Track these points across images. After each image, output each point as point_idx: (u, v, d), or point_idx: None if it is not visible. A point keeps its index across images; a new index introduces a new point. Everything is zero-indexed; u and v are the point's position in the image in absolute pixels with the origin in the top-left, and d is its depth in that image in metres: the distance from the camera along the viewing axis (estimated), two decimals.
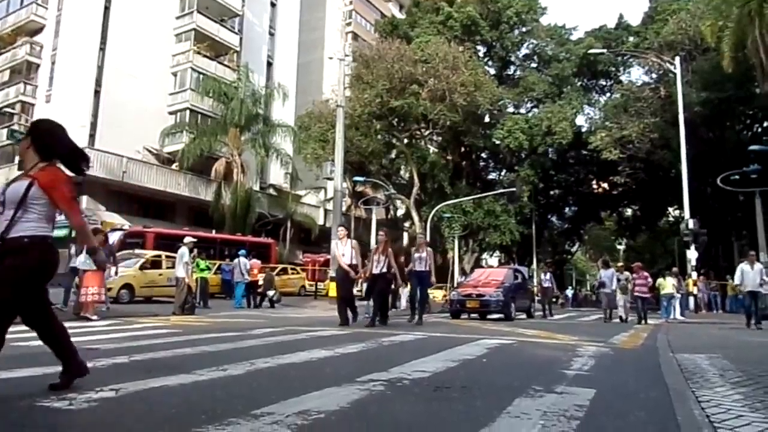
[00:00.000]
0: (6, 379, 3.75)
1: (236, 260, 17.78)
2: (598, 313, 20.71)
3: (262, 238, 31.54)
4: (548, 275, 19.97)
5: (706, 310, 23.19)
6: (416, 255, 11.30)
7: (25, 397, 3.10)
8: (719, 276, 27.19)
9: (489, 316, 14.74)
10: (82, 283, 10.28)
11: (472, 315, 15.20)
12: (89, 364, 4.36)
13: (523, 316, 16.05)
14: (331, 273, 9.60)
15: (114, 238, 21.16)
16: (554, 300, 38.81)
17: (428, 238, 32.66)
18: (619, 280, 15.79)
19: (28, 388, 3.45)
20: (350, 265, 9.84)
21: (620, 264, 16.61)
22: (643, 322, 14.63)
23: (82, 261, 10.45)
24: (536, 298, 20.98)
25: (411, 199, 34.89)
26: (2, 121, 37.31)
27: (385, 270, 10.17)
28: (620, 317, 15.42)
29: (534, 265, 37.91)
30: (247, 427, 2.58)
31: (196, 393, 3.49)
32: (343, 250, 10.01)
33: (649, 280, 16.26)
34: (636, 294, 15.38)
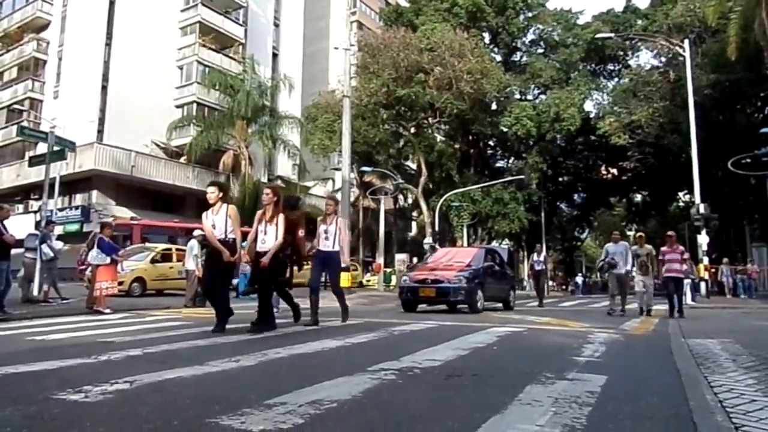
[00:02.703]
0: (22, 373, 3.81)
1: None
2: (607, 301, 20.10)
3: None
4: (542, 256, 17.13)
5: (732, 295, 22.98)
6: (321, 228, 7.96)
7: (42, 390, 3.14)
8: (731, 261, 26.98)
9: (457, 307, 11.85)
10: (95, 278, 10.40)
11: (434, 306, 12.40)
12: (104, 357, 4.44)
13: (501, 306, 13.34)
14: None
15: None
16: (564, 286, 38.32)
17: (437, 227, 32.78)
18: (638, 255, 11.69)
19: (44, 381, 3.50)
20: (224, 242, 6.55)
21: (639, 234, 13.24)
22: (676, 314, 10.90)
23: (94, 255, 10.58)
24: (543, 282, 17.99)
25: (419, 189, 34.82)
26: (12, 117, 37.64)
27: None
28: (640, 308, 11.74)
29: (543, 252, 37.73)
30: (260, 417, 2.61)
31: (210, 384, 3.52)
32: (214, 221, 6.65)
33: (686, 255, 12.79)
34: (667, 275, 11.31)
